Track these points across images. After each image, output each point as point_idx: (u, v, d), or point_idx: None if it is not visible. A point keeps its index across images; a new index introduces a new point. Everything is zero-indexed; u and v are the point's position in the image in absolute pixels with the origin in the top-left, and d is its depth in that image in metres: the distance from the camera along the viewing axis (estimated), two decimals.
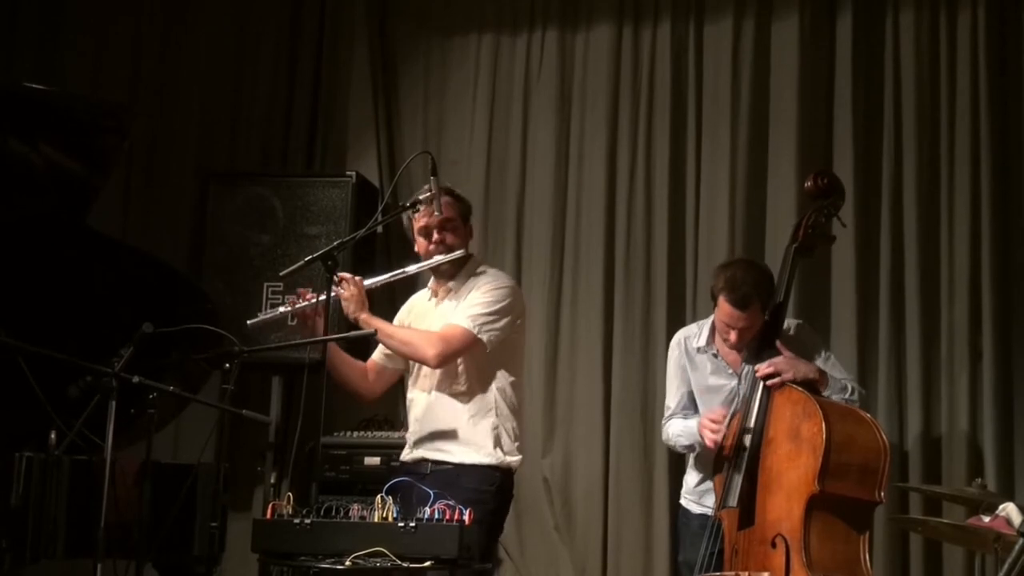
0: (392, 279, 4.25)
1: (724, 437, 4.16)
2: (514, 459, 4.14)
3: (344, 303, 4.10)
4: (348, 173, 5.63)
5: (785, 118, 5.49)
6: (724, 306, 4.15)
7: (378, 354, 4.36)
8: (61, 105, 4.08)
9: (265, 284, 5.42)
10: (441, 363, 4.08)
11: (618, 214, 5.67)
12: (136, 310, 3.86)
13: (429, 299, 4.32)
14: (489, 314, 4.09)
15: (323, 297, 3.94)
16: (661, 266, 5.58)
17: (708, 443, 4.17)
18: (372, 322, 4.08)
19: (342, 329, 4.28)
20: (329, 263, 3.90)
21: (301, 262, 3.99)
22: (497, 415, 4.12)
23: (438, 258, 4.17)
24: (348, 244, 4.16)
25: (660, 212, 5.62)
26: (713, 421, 4.16)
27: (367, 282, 4.14)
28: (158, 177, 6.07)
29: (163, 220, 5.95)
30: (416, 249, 4.28)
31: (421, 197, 4.11)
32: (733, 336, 4.18)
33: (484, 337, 4.07)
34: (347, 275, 4.11)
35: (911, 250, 5.27)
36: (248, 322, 4.18)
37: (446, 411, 4.13)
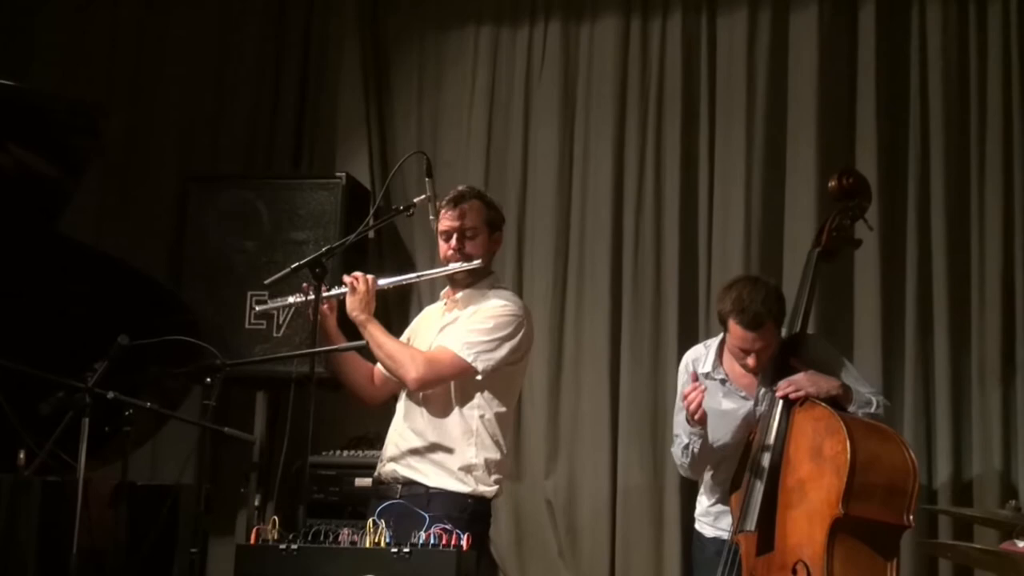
0: (404, 282, 4.25)
1: (742, 457, 4.16)
2: (488, 489, 4.10)
3: (349, 297, 4.08)
4: (337, 174, 5.63)
5: (804, 116, 5.48)
6: (736, 329, 4.12)
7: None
8: (31, 103, 4.08)
9: (249, 293, 5.39)
10: (421, 387, 4.07)
11: (626, 219, 5.67)
12: (111, 322, 3.86)
13: (441, 308, 4.31)
14: (487, 341, 4.07)
15: (334, 292, 3.99)
16: (672, 274, 5.57)
17: (695, 414, 4.11)
18: (368, 326, 4.07)
19: (342, 327, 4.25)
20: (317, 271, 3.90)
21: (287, 270, 3.98)
22: (477, 446, 4.08)
23: (453, 266, 4.15)
24: (338, 250, 4.14)
25: (671, 216, 5.61)
26: (689, 392, 4.11)
27: (380, 282, 4.13)
28: (135, 180, 6.07)
29: (140, 226, 5.94)
30: (440, 250, 4.26)
31: (416, 200, 4.09)
32: (751, 361, 4.15)
33: (479, 366, 4.04)
34: (360, 273, 4.10)
35: (939, 253, 5.25)
36: (256, 306, 4.23)
37: (427, 429, 4.11)
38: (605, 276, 5.64)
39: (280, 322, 5.39)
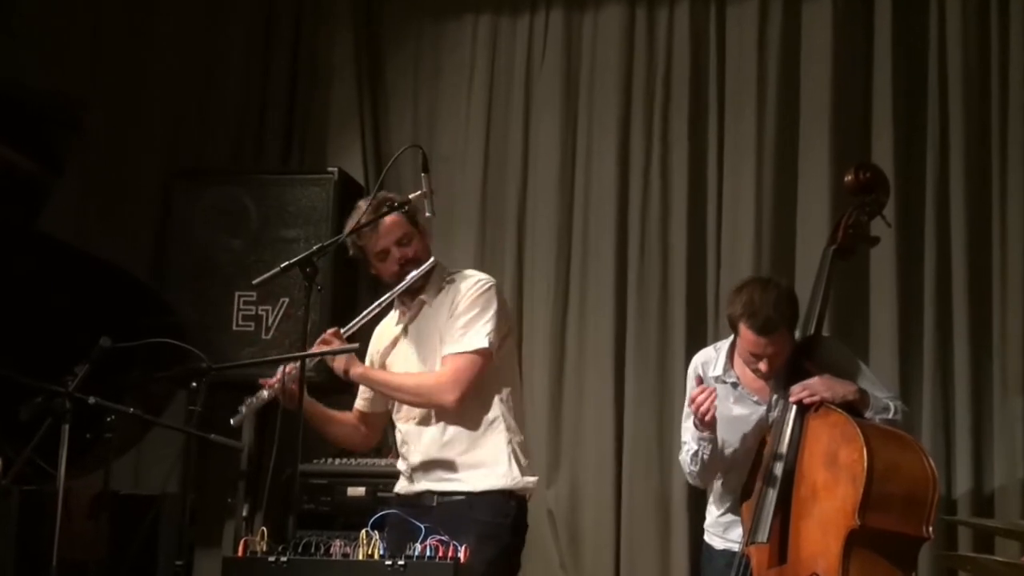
0: (368, 316, 4.20)
1: (753, 465, 4.15)
2: (531, 480, 4.13)
3: (331, 361, 4.10)
4: (329, 170, 5.62)
5: (818, 109, 5.47)
6: (747, 334, 4.11)
7: (359, 401, 4.35)
8: (10, 97, 4.07)
9: (237, 294, 5.41)
10: (462, 402, 4.07)
11: (631, 216, 5.66)
12: (93, 323, 3.86)
13: (396, 323, 4.29)
14: (484, 322, 4.09)
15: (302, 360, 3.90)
16: (679, 273, 5.57)
17: (704, 418, 4.09)
18: (369, 377, 4.12)
19: (329, 384, 4.24)
20: (308, 270, 3.88)
21: (276, 269, 3.96)
22: (507, 429, 4.11)
23: (411, 276, 4.13)
24: (329, 249, 4.13)
25: (678, 214, 5.61)
26: (697, 394, 4.09)
27: (344, 330, 4.10)
28: (118, 176, 6.05)
29: (123, 223, 5.92)
30: (376, 275, 4.24)
31: (412, 196, 4.08)
32: (763, 366, 4.14)
33: (493, 348, 4.07)
34: (327, 333, 4.07)
35: (959, 252, 5.24)
36: (232, 421, 4.12)
37: (447, 438, 4.11)
38: (609, 276, 5.63)
39: (269, 324, 5.38)
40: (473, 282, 4.17)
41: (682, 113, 5.65)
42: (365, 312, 4.18)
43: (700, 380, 4.22)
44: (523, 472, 4.10)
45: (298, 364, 3.94)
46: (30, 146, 4.05)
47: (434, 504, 4.05)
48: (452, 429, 4.10)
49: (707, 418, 4.08)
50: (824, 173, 5.38)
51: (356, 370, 4.09)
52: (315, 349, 4.02)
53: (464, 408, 4.09)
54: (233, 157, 6.05)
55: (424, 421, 4.15)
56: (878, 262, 5.27)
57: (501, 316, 4.14)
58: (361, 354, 4.24)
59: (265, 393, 4.07)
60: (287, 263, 3.94)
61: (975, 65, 5.34)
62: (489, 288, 4.16)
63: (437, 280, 4.21)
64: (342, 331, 4.07)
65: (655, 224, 5.62)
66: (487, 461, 4.07)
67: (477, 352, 4.05)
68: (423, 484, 4.13)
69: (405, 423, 4.21)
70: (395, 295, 4.18)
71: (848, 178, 4.41)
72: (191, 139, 6.10)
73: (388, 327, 4.34)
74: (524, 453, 4.14)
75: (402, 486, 4.22)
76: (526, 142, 5.85)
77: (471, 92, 5.95)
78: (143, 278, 4.94)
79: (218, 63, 6.17)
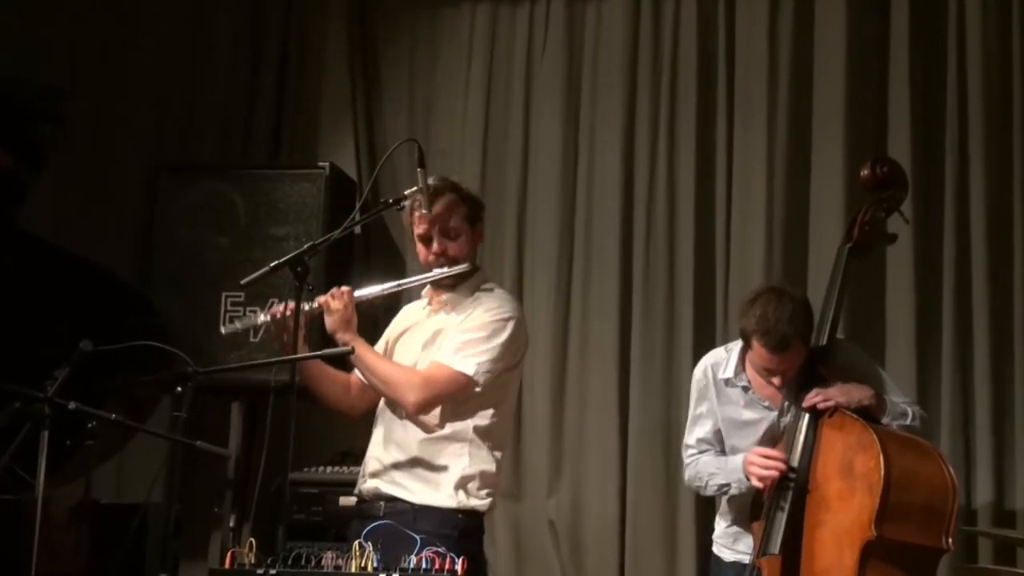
0: (385, 293, 4.19)
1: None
2: (480, 503, 4.07)
3: (327, 316, 4.06)
4: (321, 164, 5.61)
5: (831, 100, 5.47)
6: (760, 351, 4.10)
7: (357, 370, 4.32)
8: None
9: (224, 294, 5.41)
10: (421, 411, 4.05)
11: (636, 215, 5.67)
12: (74, 325, 3.85)
13: (424, 307, 4.29)
14: (485, 350, 4.04)
15: (303, 307, 3.90)
16: (686, 275, 5.57)
17: (756, 482, 4.11)
18: (355, 345, 4.05)
19: (317, 344, 4.23)
20: (299, 270, 3.86)
21: (265, 268, 3.94)
22: (470, 456, 4.06)
23: (437, 272, 4.12)
24: (321, 247, 4.10)
25: (685, 211, 5.61)
26: (766, 456, 4.11)
27: (357, 294, 4.09)
28: (100, 171, 6.06)
29: (105, 220, 5.95)
30: (418, 255, 4.23)
31: (407, 193, 4.06)
32: (777, 381, 4.14)
33: (480, 379, 4.02)
34: (336, 289, 4.06)
35: (979, 249, 5.25)
36: (222, 328, 4.13)
37: (413, 441, 4.09)
38: (613, 277, 5.64)
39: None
40: (496, 305, 4.13)
41: (689, 106, 5.65)
42: (383, 287, 4.14)
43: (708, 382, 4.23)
44: (470, 496, 4.04)
45: (311, 305, 3.93)
46: (7, 139, 4.04)
47: (380, 514, 4.01)
48: (417, 435, 4.07)
49: (756, 484, 4.10)
50: (838, 169, 5.38)
51: (345, 335, 4.02)
52: (322, 299, 4.00)
53: (439, 422, 4.06)
54: (221, 151, 6.07)
55: (396, 417, 4.13)
56: (894, 261, 5.27)
57: (507, 350, 4.08)
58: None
59: (261, 316, 4.05)
60: (277, 262, 3.92)
61: (996, 53, 5.35)
62: (507, 319, 4.10)
63: (471, 286, 4.18)
64: (356, 293, 4.05)
65: (661, 222, 5.62)
66: (435, 479, 4.03)
67: (460, 374, 4.02)
68: (375, 483, 4.10)
69: (381, 408, 4.20)
70: (417, 283, 4.19)
71: (864, 173, 4.39)
72: (177, 132, 6.12)
73: (414, 310, 4.34)
74: (482, 483, 4.05)
75: (360, 481, 4.19)
76: (526, 136, 5.85)
77: (469, 83, 5.95)
78: (126, 277, 4.93)
79: (205, 52, 6.18)
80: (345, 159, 5.88)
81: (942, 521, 3.90)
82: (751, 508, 4.20)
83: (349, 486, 5.12)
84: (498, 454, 4.12)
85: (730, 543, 4.38)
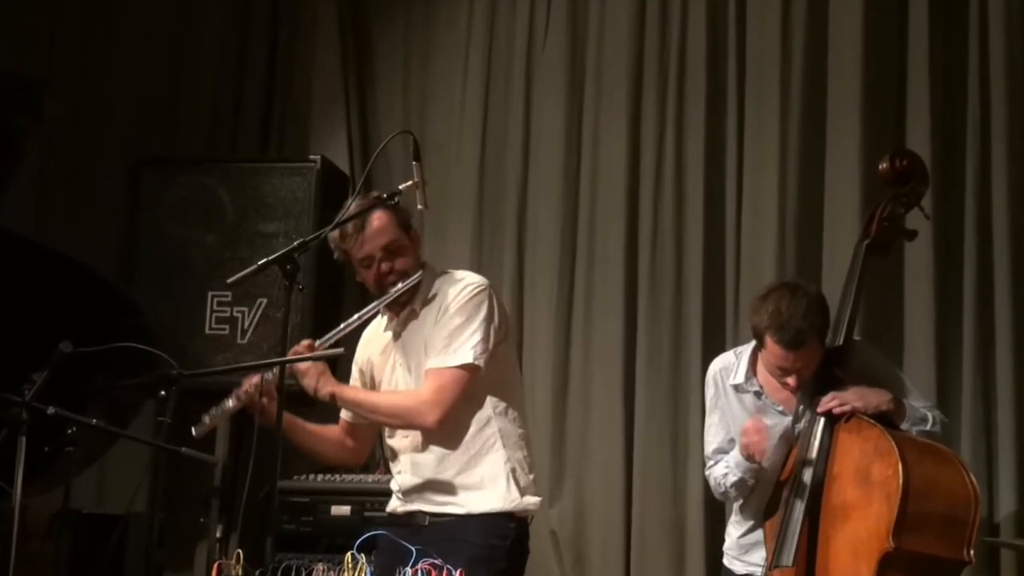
0: (347, 331, 4.17)
1: (778, 481, 4.14)
2: (532, 501, 4.10)
3: (301, 377, 4.05)
4: (312, 158, 5.62)
5: (847, 90, 5.46)
6: (774, 348, 4.10)
7: (345, 412, 4.32)
8: None
9: (210, 293, 5.42)
10: (443, 423, 4.04)
11: (642, 209, 5.66)
12: (52, 325, 3.83)
13: (384, 330, 4.27)
14: (472, 332, 4.04)
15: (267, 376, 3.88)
16: (695, 273, 5.57)
17: (743, 450, 4.11)
18: (343, 396, 4.07)
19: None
20: (288, 268, 3.85)
21: (254, 267, 3.92)
22: (504, 446, 4.08)
23: (394, 291, 4.11)
24: (311, 244, 4.09)
25: (694, 206, 5.61)
26: (755, 428, 4.10)
27: (318, 343, 4.06)
28: (81, 164, 6.08)
29: (87, 216, 5.95)
30: (360, 281, 4.20)
31: (402, 187, 4.06)
32: (792, 381, 4.14)
33: (481, 361, 4.03)
34: (298, 346, 4.04)
35: (1001, 245, 5.23)
36: (193, 429, 4.07)
37: (440, 457, 4.09)
38: (618, 276, 5.63)
39: (245, 327, 5.38)
40: (461, 287, 4.13)
41: (698, 97, 5.64)
42: (344, 324, 4.13)
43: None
44: (523, 492, 4.08)
45: (274, 372, 3.90)
46: None
47: (426, 523, 4.04)
48: (444, 448, 4.08)
49: (757, 456, 4.09)
50: (854, 163, 5.37)
51: (326, 389, 4.02)
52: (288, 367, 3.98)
53: (456, 424, 4.06)
54: (207, 144, 6.08)
55: (410, 442, 4.13)
56: (914, 259, 5.26)
57: (491, 323, 4.08)
58: (347, 361, 4.20)
59: (230, 403, 4.04)
60: (265, 260, 3.90)
61: (1019, 40, 5.33)
62: (478, 292, 4.11)
63: (426, 287, 4.18)
64: (317, 344, 4.04)
65: (668, 219, 5.62)
66: (484, 482, 4.05)
67: (462, 367, 4.01)
68: (416, 505, 4.12)
69: (393, 439, 4.20)
70: (378, 308, 4.15)
71: (883, 166, 4.39)
72: (161, 124, 6.14)
73: (376, 333, 4.32)
74: (528, 469, 4.13)
75: (393, 505, 4.21)
76: (527, 128, 5.85)
77: (467, 74, 5.96)
78: (108, 276, 4.91)
79: (191, 42, 6.19)
80: (337, 152, 5.89)
81: (963, 532, 3.90)
82: (765, 511, 4.21)
83: (340, 495, 5.16)
84: (524, 431, 4.16)
85: (742, 555, 4.39)
